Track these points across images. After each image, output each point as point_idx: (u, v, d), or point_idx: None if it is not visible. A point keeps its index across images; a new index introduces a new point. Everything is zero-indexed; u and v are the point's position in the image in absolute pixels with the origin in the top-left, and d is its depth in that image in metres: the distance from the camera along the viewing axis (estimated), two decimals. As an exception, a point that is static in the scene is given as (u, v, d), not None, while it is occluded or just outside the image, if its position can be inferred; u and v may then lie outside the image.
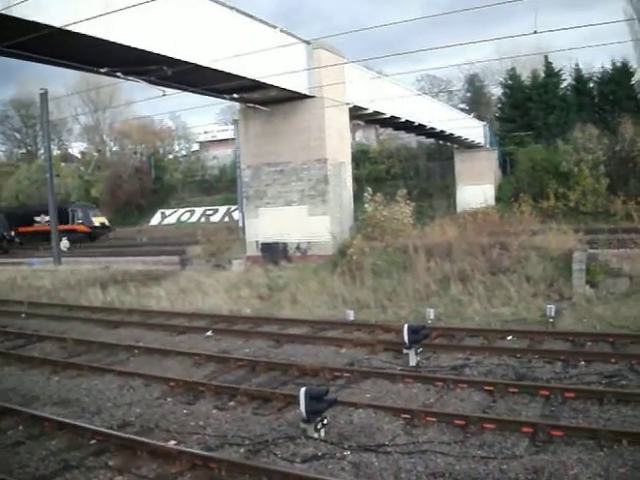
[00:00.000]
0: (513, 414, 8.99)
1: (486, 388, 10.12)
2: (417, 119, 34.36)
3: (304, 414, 8.30)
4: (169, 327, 17.07)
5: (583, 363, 11.53)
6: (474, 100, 64.88)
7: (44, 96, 33.64)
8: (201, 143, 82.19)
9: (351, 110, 25.40)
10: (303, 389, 8.35)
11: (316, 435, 8.33)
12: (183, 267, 25.17)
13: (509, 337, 13.86)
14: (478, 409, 9.28)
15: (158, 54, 15.96)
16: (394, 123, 34.13)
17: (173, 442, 8.44)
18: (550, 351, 12.45)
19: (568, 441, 7.82)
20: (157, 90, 19.07)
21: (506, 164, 49.98)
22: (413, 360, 11.95)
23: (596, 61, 54.50)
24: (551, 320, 14.70)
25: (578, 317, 14.91)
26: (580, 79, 54.01)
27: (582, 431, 8.06)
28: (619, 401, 9.18)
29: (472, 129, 46.22)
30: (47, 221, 40.72)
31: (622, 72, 51.72)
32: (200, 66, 17.20)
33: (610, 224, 31.90)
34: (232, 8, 18.82)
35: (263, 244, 24.14)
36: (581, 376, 10.78)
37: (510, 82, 56.27)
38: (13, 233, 48.95)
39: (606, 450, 7.49)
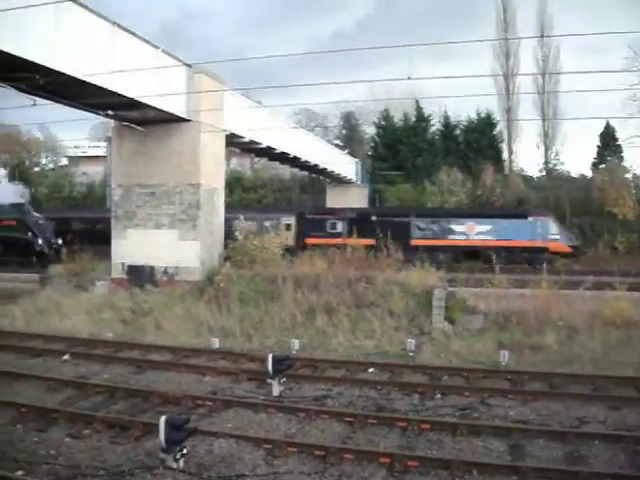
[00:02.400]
0: (372, 445, 9.21)
1: (347, 419, 10.32)
2: (292, 151, 34.84)
3: (163, 443, 8.09)
4: (23, 349, 16.12)
5: (439, 396, 12.04)
6: (349, 137, 66.71)
7: None
8: (70, 158, 78.81)
9: (228, 137, 25.36)
10: (163, 417, 8.15)
11: (175, 465, 8.14)
12: (43, 286, 23.88)
13: (371, 369, 14.22)
14: (338, 440, 9.43)
15: (31, 61, 15.25)
16: (270, 153, 34.39)
17: (21, 472, 7.94)
18: (409, 384, 12.90)
19: (423, 471, 8.11)
20: (27, 99, 18.19)
21: (375, 201, 51.60)
22: (276, 390, 11.98)
23: (463, 110, 57.74)
24: (411, 354, 15.25)
25: (436, 351, 15.56)
26: (448, 125, 57.02)
27: (436, 462, 8.39)
28: (471, 433, 9.65)
29: (345, 165, 47.45)
30: None
31: (486, 122, 55.19)
32: (75, 78, 16.58)
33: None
34: (114, 23, 18.35)
35: (129, 266, 23.40)
36: (437, 408, 11.24)
37: (383, 123, 58.44)
38: None
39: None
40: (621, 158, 55.31)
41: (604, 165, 53.51)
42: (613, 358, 14.76)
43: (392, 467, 8.20)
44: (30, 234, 36.58)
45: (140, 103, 19.77)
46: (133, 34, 19.40)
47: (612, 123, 56.68)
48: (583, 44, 69.65)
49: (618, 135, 57.70)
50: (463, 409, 11.15)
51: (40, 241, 36.16)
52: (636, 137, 55.98)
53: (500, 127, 56.71)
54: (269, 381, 12.04)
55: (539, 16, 56.16)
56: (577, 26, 65.27)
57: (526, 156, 79.27)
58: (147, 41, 20.17)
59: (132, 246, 23.54)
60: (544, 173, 55.89)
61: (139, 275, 22.89)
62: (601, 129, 57.57)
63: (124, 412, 10.80)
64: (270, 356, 11.95)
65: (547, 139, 57.56)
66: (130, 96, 18.98)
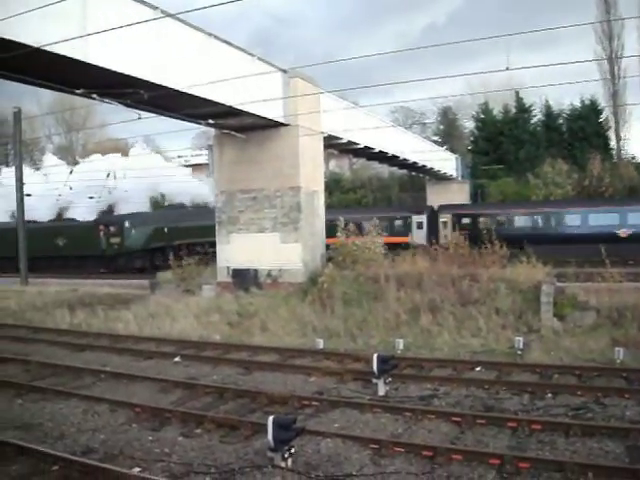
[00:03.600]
0: (480, 445, 9.01)
1: (454, 419, 10.14)
2: (390, 150, 34.71)
3: (272, 443, 8.23)
4: (136, 352, 16.85)
5: (550, 395, 11.62)
6: (447, 133, 65.80)
7: (17, 115, 33.40)
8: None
9: (325, 139, 25.56)
10: (271, 417, 8.29)
11: (283, 464, 8.26)
12: (152, 291, 24.94)
13: (478, 368, 13.93)
14: (446, 440, 9.28)
15: (135, 77, 15.95)
16: (368, 153, 34.42)
17: (137, 469, 8.30)
18: (518, 383, 12.52)
19: (535, 473, 7.86)
20: (132, 113, 19.04)
21: (477, 196, 50.62)
22: (382, 390, 11.95)
23: (565, 98, 55.71)
24: (519, 352, 14.81)
25: (546, 349, 15.04)
26: (550, 115, 55.17)
27: (549, 463, 8.11)
28: (585, 433, 9.26)
29: (445, 161, 46.82)
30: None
31: (591, 109, 52.98)
32: (177, 91, 17.21)
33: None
34: (210, 35, 18.92)
35: (234, 270, 24.02)
36: (548, 408, 10.86)
37: (482, 116, 57.28)
38: None
39: (573, 483, 7.55)
40: None
41: None
42: None
43: (502, 468, 7.99)
44: None
45: (239, 111, 20.27)
46: (229, 44, 19.92)
47: None
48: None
49: None
50: (576, 409, 10.71)
51: None
52: None
53: (606, 113, 54.25)
54: (374, 381, 12.02)
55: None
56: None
57: (637, 142, 75.36)
58: (242, 49, 20.66)
59: (236, 250, 24.17)
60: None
61: (244, 278, 23.46)
62: None
63: (233, 412, 11.07)
64: (375, 356, 11.93)
65: (659, 123, 54.55)
66: (229, 104, 19.50)
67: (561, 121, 55.27)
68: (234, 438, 9.60)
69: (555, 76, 62.77)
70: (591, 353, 14.50)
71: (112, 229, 38.82)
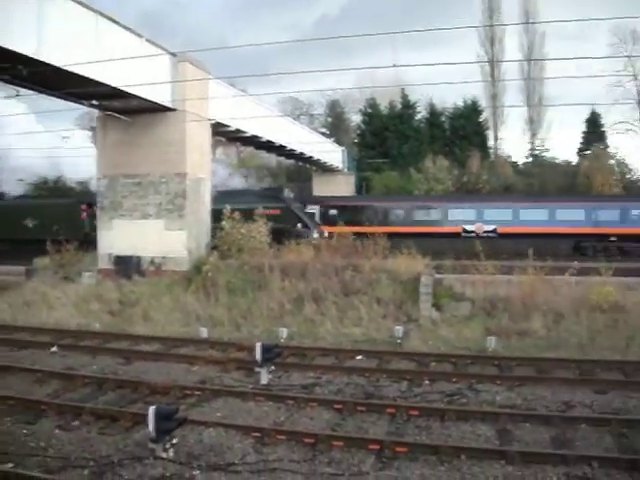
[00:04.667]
0: (361, 432, 9.27)
1: (336, 406, 10.37)
2: (278, 140, 34.74)
3: (153, 433, 8.10)
4: (10, 341, 16.04)
5: (427, 382, 12.12)
6: (335, 125, 66.57)
7: None
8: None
9: (213, 126, 25.22)
10: (152, 408, 8.16)
11: (165, 455, 8.16)
12: (28, 278, 23.75)
13: (359, 357, 14.27)
14: (327, 427, 9.48)
15: (13, 51, 15.09)
16: (256, 142, 34.25)
17: (10, 465, 7.93)
18: (397, 371, 12.97)
19: (412, 457, 8.18)
20: (10, 89, 18.03)
21: (362, 188, 51.60)
22: (265, 378, 12.02)
23: (449, 97, 57.84)
24: (399, 341, 15.31)
25: (424, 338, 15.64)
26: (433, 113, 57.07)
27: (425, 447, 8.46)
28: (459, 418, 9.74)
29: (331, 153, 47.40)
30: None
31: (472, 109, 55.29)
32: (59, 68, 16.43)
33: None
34: (97, 12, 18.19)
35: (116, 257, 23.29)
36: (425, 395, 11.32)
37: (369, 110, 58.39)
38: None
39: (446, 465, 7.91)
40: (606, 144, 55.61)
41: (590, 151, 53.77)
42: (599, 342, 14.91)
43: (381, 453, 8.26)
44: (300, 224, 32.48)
45: (124, 92, 19.61)
46: (117, 23, 19.22)
47: (597, 110, 56.98)
48: (567, 31, 69.75)
49: (603, 121, 58.08)
50: (451, 395, 11.24)
51: (316, 233, 31.81)
52: (620, 123, 56.40)
53: (486, 114, 56.87)
54: (257, 370, 12.08)
55: (524, 2, 56.30)
56: (561, 13, 65.63)
57: (512, 142, 79.43)
58: (130, 30, 19.99)
59: (118, 236, 23.43)
60: (530, 159, 56.10)
61: (126, 266, 22.81)
62: (586, 115, 57.86)
63: (113, 403, 10.80)
64: (258, 345, 11.98)
65: (533, 125, 57.80)
66: (113, 85, 18.82)
67: (444, 119, 57.31)
68: (114, 430, 9.37)
69: (441, 75, 65.01)
70: (466, 342, 15.23)
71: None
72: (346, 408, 10.23)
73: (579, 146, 58.30)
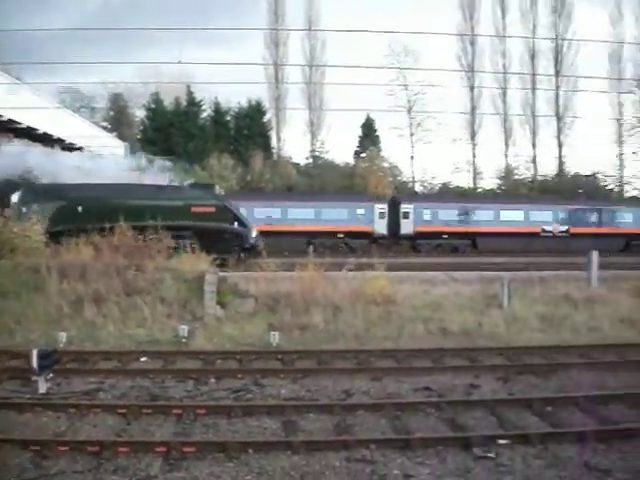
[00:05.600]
0: (147, 435, 9.07)
1: (120, 411, 10.02)
2: (57, 133, 32.79)
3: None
4: None
5: (213, 380, 12.17)
6: (117, 119, 64.16)
7: None
8: None
9: (-22, 115, 23.20)
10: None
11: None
12: None
13: (143, 358, 13.92)
14: (112, 433, 9.15)
15: None
16: (31, 134, 31.99)
17: None
18: (183, 370, 12.86)
19: (200, 456, 8.17)
20: None
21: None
22: (43, 387, 11.27)
23: (234, 97, 58.38)
24: (184, 340, 15.17)
25: (209, 336, 15.65)
26: (219, 112, 57.29)
27: (212, 445, 8.50)
28: (245, 414, 9.90)
29: (113, 148, 45.72)
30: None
31: (256, 110, 56.35)
32: None
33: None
34: None
35: None
36: (212, 392, 11.37)
37: (153, 106, 57.12)
38: None
39: (235, 461, 8.02)
40: (379, 148, 59.68)
41: (365, 154, 57.39)
42: (374, 333, 16.02)
43: (169, 455, 8.15)
44: (237, 224, 29.59)
45: None
46: None
47: (372, 115, 61.00)
48: (348, 39, 73.65)
49: (377, 126, 62.31)
50: (237, 391, 11.40)
51: (254, 233, 29.38)
52: (393, 129, 60.91)
53: (270, 115, 58.32)
54: (35, 378, 11.29)
55: (307, 9, 58.63)
56: (342, 22, 69.12)
57: (294, 144, 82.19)
58: None
59: None
60: (311, 160, 58.48)
61: None
62: (362, 120, 61.72)
63: None
64: (34, 351, 11.19)
65: (313, 128, 60.31)
66: None
67: (229, 118, 57.77)
68: None
69: (227, 74, 65.17)
70: (250, 338, 15.50)
71: None
72: (131, 412, 9.94)
73: (355, 149, 62.01)
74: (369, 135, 61.38)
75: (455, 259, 34.66)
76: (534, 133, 63.16)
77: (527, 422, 9.86)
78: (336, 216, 40.16)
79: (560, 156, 63.21)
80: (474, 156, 62.78)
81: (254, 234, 29.40)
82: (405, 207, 41.62)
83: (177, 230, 25.28)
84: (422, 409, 10.33)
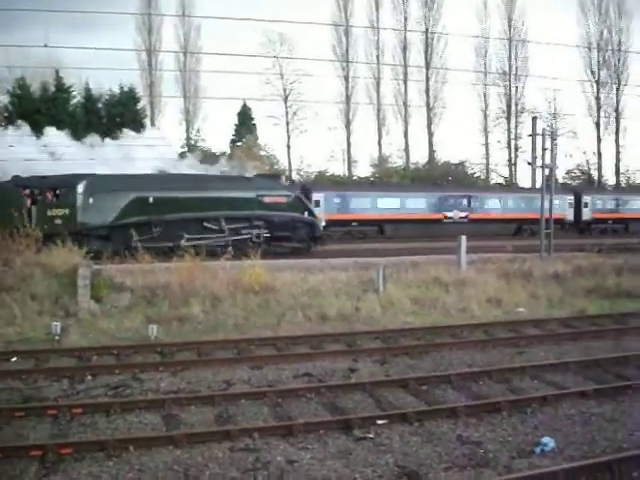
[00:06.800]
0: (20, 439, 8.68)
1: (-10, 416, 9.52)
2: None
3: None
4: None
5: (90, 377, 11.79)
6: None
7: None
8: None
9: None
10: None
11: None
12: None
13: (14, 358, 13.25)
14: (-19, 440, 8.69)
15: None
16: None
17: None
18: (57, 369, 12.36)
19: (78, 457, 7.94)
20: None
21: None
22: None
23: (106, 83, 56.16)
24: (57, 337, 14.59)
25: (84, 332, 15.15)
26: (90, 98, 54.95)
27: (91, 445, 8.28)
28: (125, 410, 9.70)
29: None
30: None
31: (129, 97, 54.54)
32: None
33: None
34: None
35: None
36: (88, 390, 11.02)
37: (19, 91, 53.99)
38: None
39: (115, 459, 7.86)
40: (256, 136, 59.65)
41: (241, 142, 57.19)
42: (254, 322, 16.14)
43: (45, 458, 7.85)
44: (307, 214, 29.64)
45: None
46: None
47: (248, 103, 60.88)
48: (222, 26, 72.50)
49: (253, 115, 62.26)
50: (115, 387, 11.12)
51: (323, 223, 30.42)
52: (270, 117, 61.06)
53: (144, 102, 56.76)
54: None
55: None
56: (217, 9, 68.23)
57: (170, 132, 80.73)
58: None
59: None
60: (186, 149, 57.60)
61: None
62: (239, 109, 61.45)
63: None
64: None
65: (189, 116, 59.40)
66: None
67: (101, 105, 55.62)
68: None
69: (98, 60, 62.51)
70: (128, 332, 15.17)
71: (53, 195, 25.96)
72: (1, 416, 9.47)
73: (232, 137, 61.66)
74: (245, 123, 61.20)
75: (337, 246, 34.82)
76: (406, 122, 65.34)
77: (404, 402, 10.32)
78: None
79: (431, 145, 65.80)
80: (349, 145, 64.15)
81: (323, 223, 30.95)
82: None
83: (249, 220, 27.58)
84: (303, 395, 10.54)
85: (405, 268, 21.43)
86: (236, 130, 61.40)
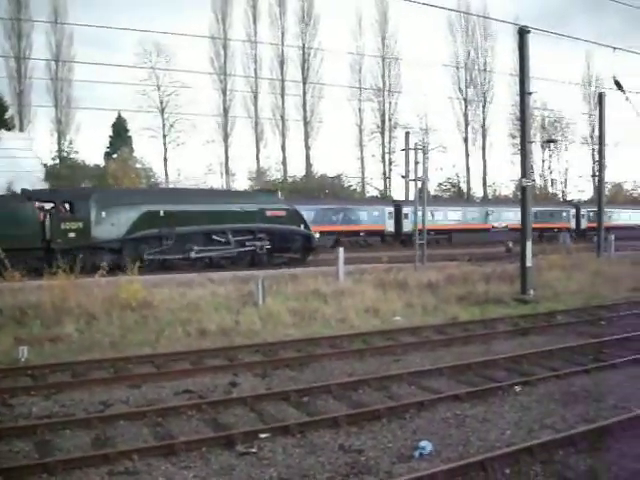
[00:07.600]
0: None
1: None
2: None
3: None
4: None
5: (-48, 406, 11.02)
6: None
7: None
8: None
9: None
10: None
11: None
12: None
13: None
14: None
15: None
16: None
17: None
18: None
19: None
20: None
21: None
22: None
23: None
24: None
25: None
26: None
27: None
28: (-8, 439, 9.16)
29: None
30: None
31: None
32: None
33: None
34: None
35: None
36: (-49, 420, 10.31)
37: None
38: None
39: (-18, 492, 7.42)
40: (132, 148, 58.16)
41: (116, 155, 55.59)
42: (131, 339, 15.66)
43: None
44: (303, 226, 31.64)
45: None
46: None
47: (124, 115, 59.32)
48: (97, 36, 70.53)
49: (129, 127, 60.76)
50: (-18, 415, 10.47)
51: (317, 234, 32.67)
52: (146, 129, 59.77)
53: (12, 112, 54.17)
54: None
55: (53, 1, 55.30)
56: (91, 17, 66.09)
57: (41, 143, 77.31)
58: None
59: None
60: (58, 161, 55.34)
61: None
62: (113, 120, 59.70)
63: None
64: None
65: (61, 127, 57.12)
66: None
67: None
68: None
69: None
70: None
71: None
72: None
73: (106, 149, 59.87)
74: (121, 135, 59.59)
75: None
76: (284, 136, 66.05)
77: (286, 414, 10.37)
78: None
79: (308, 158, 66.83)
80: (227, 157, 63.99)
81: (317, 235, 32.79)
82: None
83: (253, 233, 29.45)
84: (184, 412, 10.36)
85: (285, 281, 21.61)
86: (111, 142, 59.67)
